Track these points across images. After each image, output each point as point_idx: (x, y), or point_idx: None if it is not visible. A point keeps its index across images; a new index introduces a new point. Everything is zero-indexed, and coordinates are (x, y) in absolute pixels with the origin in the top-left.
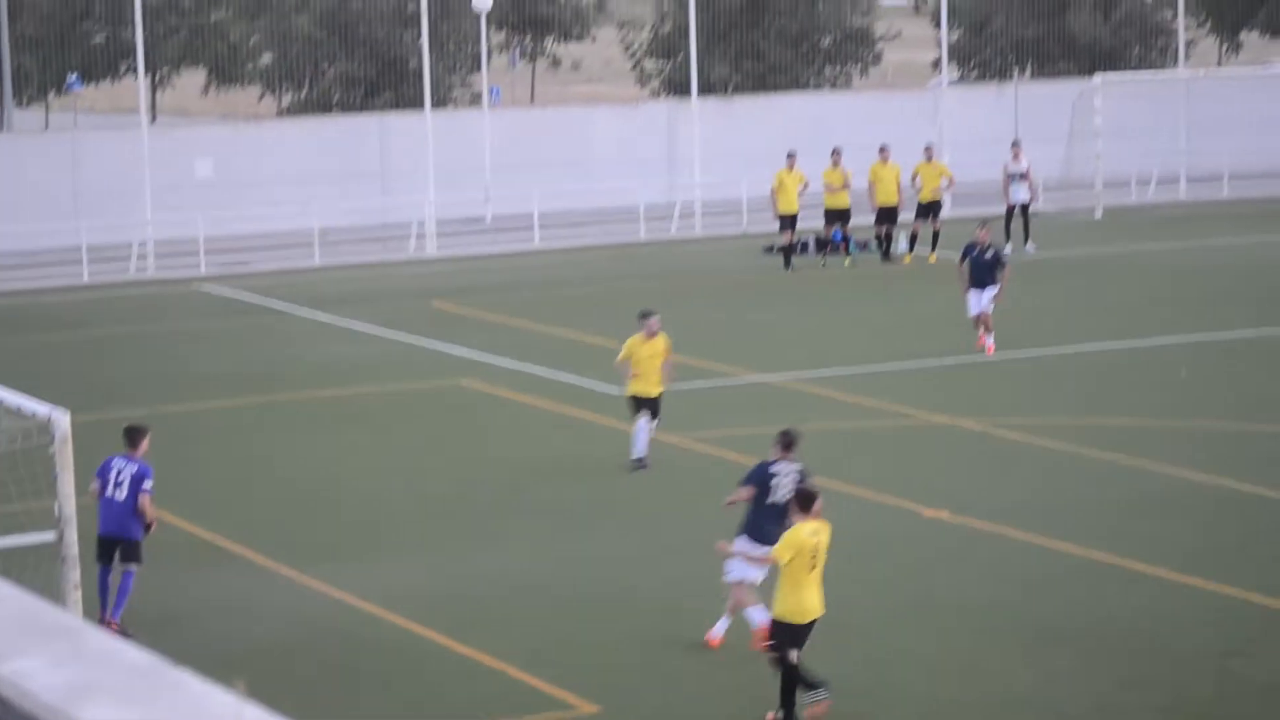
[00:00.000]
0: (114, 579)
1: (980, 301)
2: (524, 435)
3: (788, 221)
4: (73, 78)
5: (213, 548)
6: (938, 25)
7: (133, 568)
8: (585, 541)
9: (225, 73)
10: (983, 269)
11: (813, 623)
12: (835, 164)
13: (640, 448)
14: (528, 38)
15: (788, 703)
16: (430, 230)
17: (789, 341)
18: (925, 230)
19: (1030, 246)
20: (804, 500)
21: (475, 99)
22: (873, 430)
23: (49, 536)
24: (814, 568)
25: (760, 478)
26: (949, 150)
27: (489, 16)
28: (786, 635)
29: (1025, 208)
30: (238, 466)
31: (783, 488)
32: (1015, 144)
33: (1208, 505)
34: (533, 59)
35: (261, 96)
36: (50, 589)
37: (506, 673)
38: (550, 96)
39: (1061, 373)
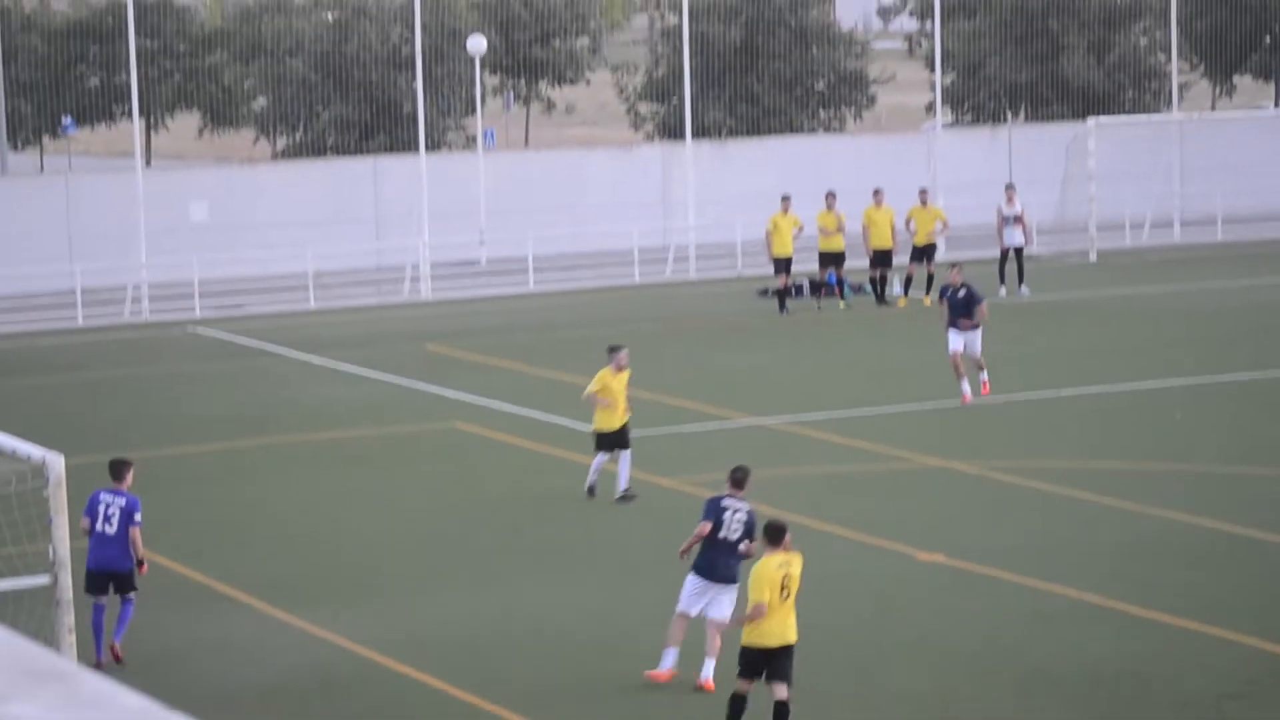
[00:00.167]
0: (109, 614)
1: (959, 340)
2: (520, 477)
3: (782, 265)
4: (68, 121)
5: (208, 590)
6: (931, 69)
7: (131, 596)
8: (582, 584)
9: (220, 116)
10: (958, 308)
11: (781, 649)
12: (829, 207)
13: (594, 475)
14: (522, 81)
15: None
16: (425, 273)
17: (784, 384)
18: (920, 273)
19: (1024, 290)
20: (773, 533)
21: (470, 142)
22: (867, 473)
23: (43, 580)
24: (786, 597)
25: (715, 512)
26: (943, 193)
27: (483, 60)
28: (745, 659)
29: (1019, 251)
30: (233, 509)
31: (733, 524)
32: (1009, 187)
33: (1203, 548)
34: (527, 102)
35: (256, 140)
36: (44, 633)
37: (501, 716)
38: (545, 140)
39: (1056, 416)
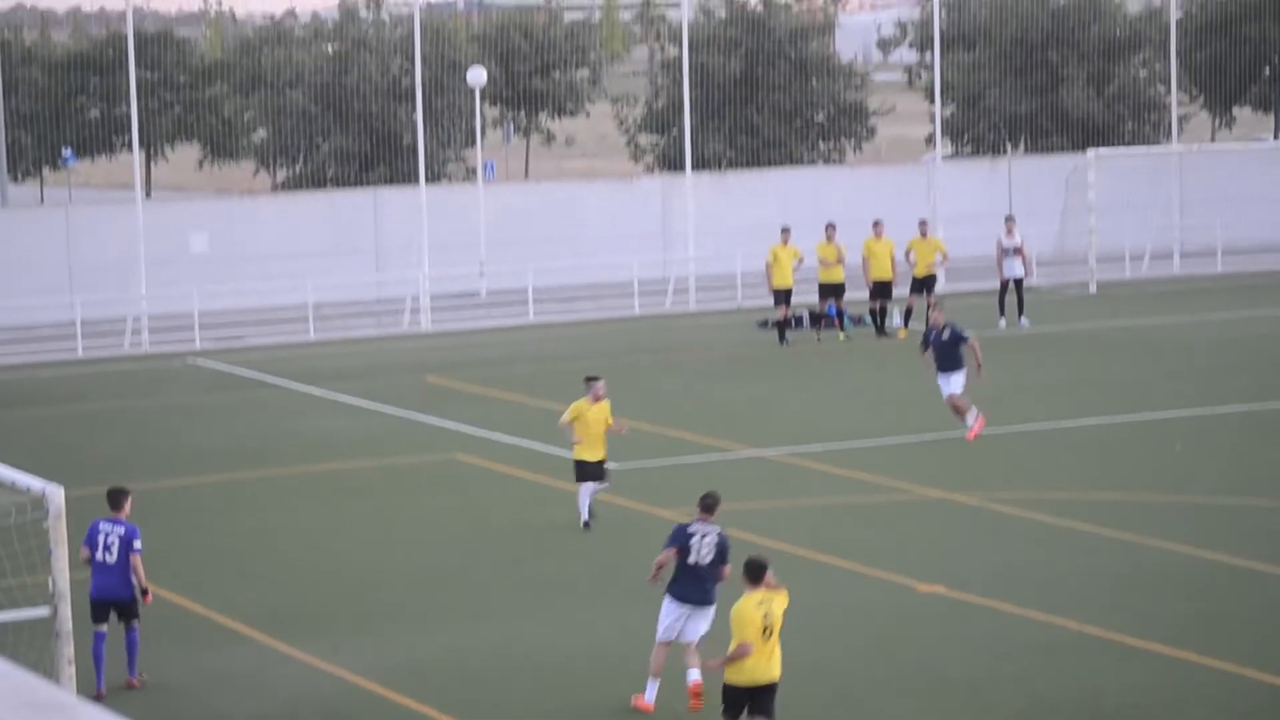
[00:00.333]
0: (116, 647)
1: (950, 384)
2: (520, 508)
3: (782, 296)
4: (68, 153)
5: (208, 621)
6: (931, 100)
7: (135, 624)
8: (583, 615)
9: (220, 148)
10: (944, 350)
11: (765, 688)
12: (829, 239)
13: (584, 511)
14: (522, 113)
15: None
16: (425, 305)
17: (784, 416)
18: (920, 305)
19: (1024, 321)
20: (752, 571)
21: (470, 174)
22: (867, 504)
23: (43, 612)
24: (769, 635)
25: (679, 539)
26: (942, 225)
27: (483, 92)
28: (728, 697)
29: (1019, 282)
30: (233, 540)
31: (703, 549)
32: (1009, 219)
33: (1203, 580)
34: (527, 134)
35: (256, 171)
36: (44, 664)
37: None
38: (544, 171)
39: (1056, 447)
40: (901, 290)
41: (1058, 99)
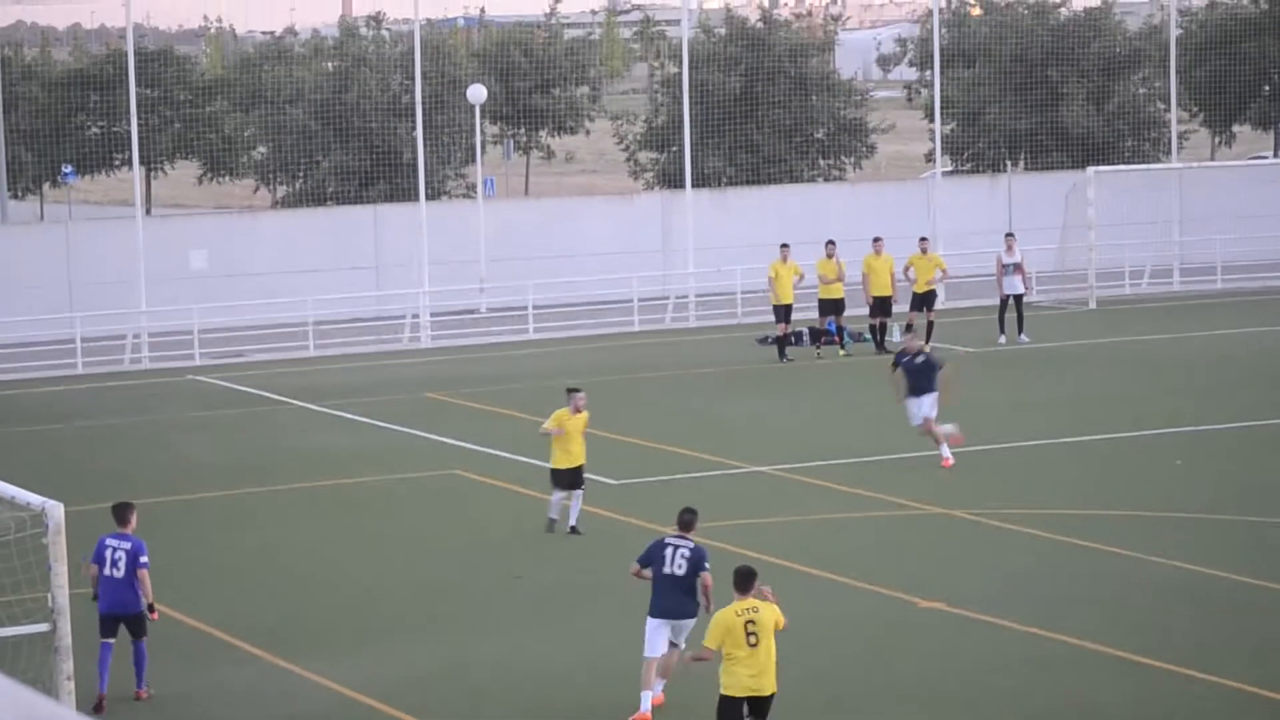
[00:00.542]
0: (123, 662)
1: (920, 409)
2: (519, 523)
3: (782, 312)
4: (68, 169)
5: (208, 637)
6: (931, 117)
7: (142, 640)
8: (582, 629)
9: (220, 164)
10: (916, 375)
11: (760, 700)
12: (829, 255)
13: (554, 510)
14: (522, 130)
15: None
16: (424, 321)
17: (783, 432)
18: (920, 321)
19: (1024, 337)
20: (738, 579)
21: (470, 190)
22: (867, 520)
23: (43, 628)
24: (754, 645)
25: (654, 550)
26: (942, 242)
27: (483, 108)
28: (723, 709)
29: (1019, 299)
30: (233, 556)
31: (677, 559)
32: (1009, 235)
33: (1202, 595)
34: (527, 151)
35: (256, 188)
36: (43, 680)
37: None
38: (544, 188)
39: (1056, 462)
40: (901, 306)
41: (1057, 116)
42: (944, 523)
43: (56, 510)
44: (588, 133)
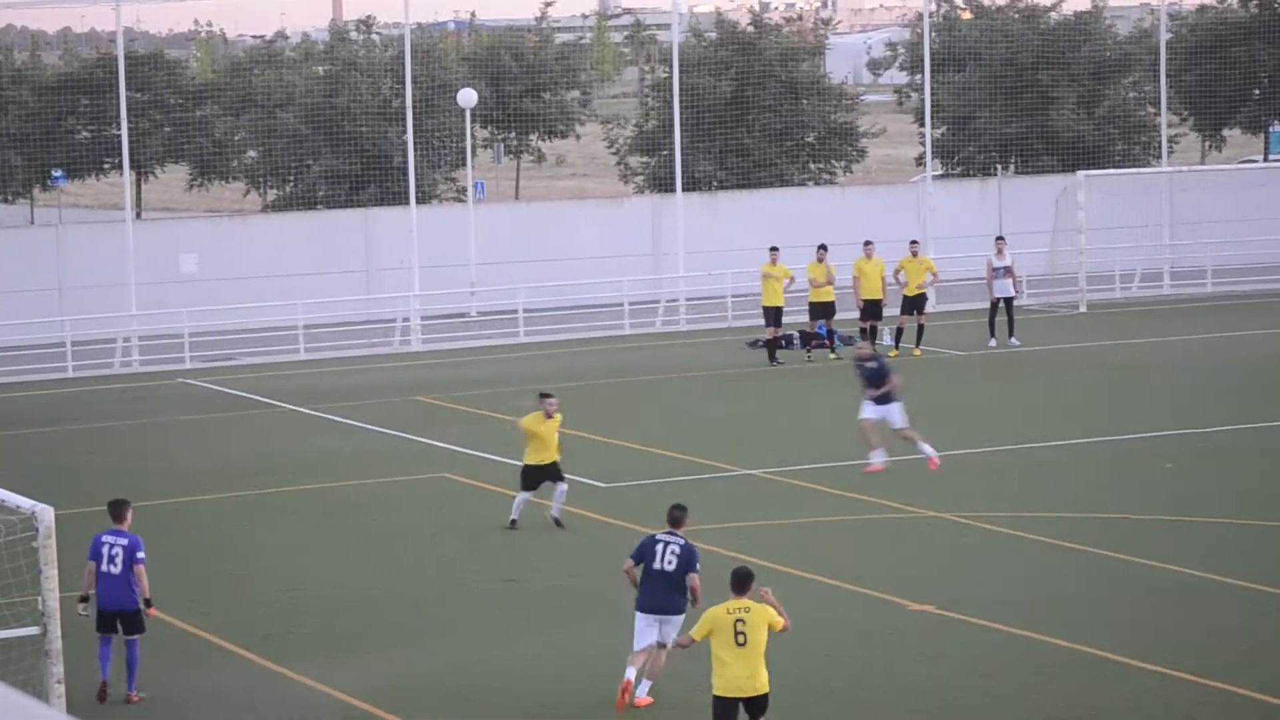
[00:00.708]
0: (117, 663)
1: (872, 409)
2: (512, 528)
3: (772, 316)
4: (58, 174)
5: (200, 641)
6: (921, 122)
7: (136, 638)
8: (575, 632)
9: (210, 168)
10: (870, 378)
11: (753, 700)
12: (820, 259)
13: (516, 511)
14: (512, 134)
15: None
16: (415, 324)
17: (774, 435)
18: (911, 325)
19: (1014, 341)
20: (735, 579)
21: (460, 194)
22: (858, 523)
23: (33, 631)
24: (743, 644)
25: (645, 546)
26: (933, 245)
27: (474, 113)
28: (718, 709)
29: (1009, 302)
30: (224, 560)
31: (666, 555)
32: (999, 239)
33: (1195, 598)
34: (517, 155)
35: (247, 192)
36: (33, 684)
37: None
38: (535, 192)
39: (1046, 466)
40: (892, 310)
41: (1048, 120)
42: (934, 526)
43: (47, 514)
44: (578, 137)
